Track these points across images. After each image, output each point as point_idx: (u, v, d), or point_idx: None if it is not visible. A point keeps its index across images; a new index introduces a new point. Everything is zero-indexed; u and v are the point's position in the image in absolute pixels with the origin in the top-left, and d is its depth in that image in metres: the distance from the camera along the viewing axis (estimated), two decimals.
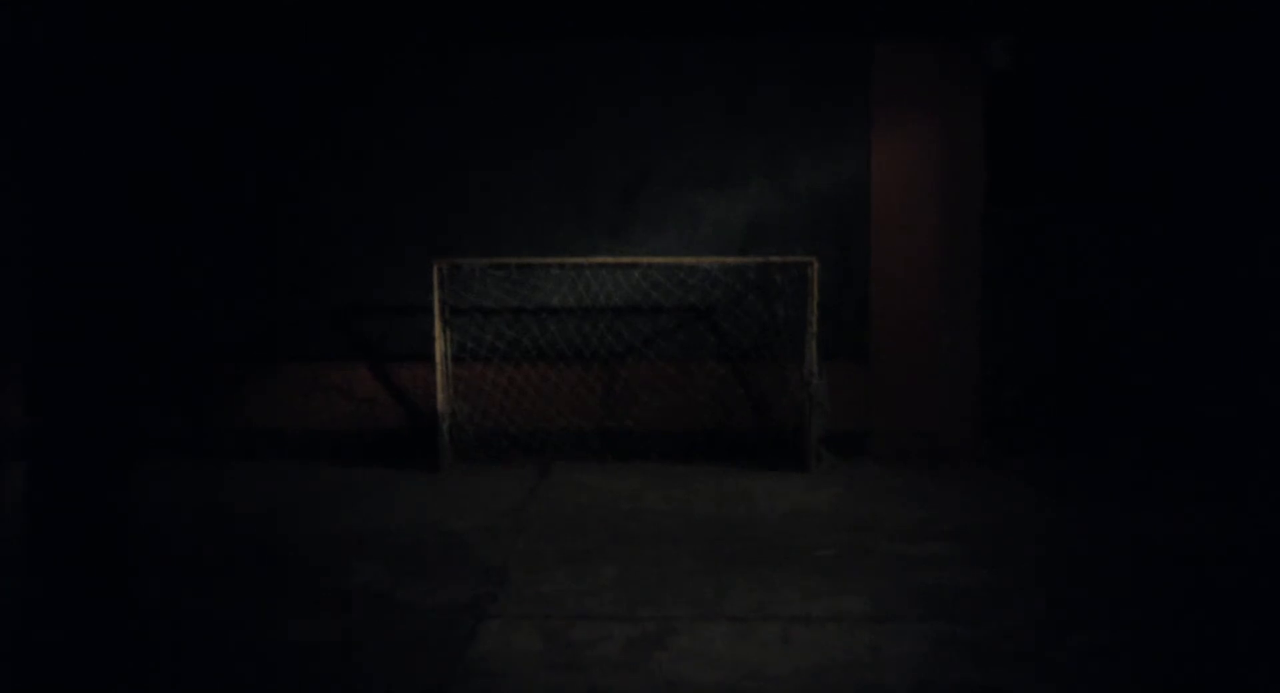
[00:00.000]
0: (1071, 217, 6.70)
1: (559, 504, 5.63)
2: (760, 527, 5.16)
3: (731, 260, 6.45)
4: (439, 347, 6.40)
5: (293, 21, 6.55)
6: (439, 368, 6.39)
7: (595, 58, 6.57)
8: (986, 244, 6.55)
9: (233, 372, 6.82)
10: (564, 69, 6.59)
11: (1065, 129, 6.65)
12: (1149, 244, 6.65)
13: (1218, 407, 6.57)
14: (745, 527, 5.16)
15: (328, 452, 6.75)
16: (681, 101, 6.57)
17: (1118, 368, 6.72)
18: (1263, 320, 6.54)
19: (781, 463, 6.47)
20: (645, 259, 6.46)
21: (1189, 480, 5.99)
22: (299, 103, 6.68)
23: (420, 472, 6.35)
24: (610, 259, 6.48)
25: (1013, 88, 6.58)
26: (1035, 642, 3.69)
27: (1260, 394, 6.52)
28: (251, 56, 6.63)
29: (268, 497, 5.83)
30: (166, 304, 6.81)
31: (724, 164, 6.58)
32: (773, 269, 6.54)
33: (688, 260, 6.44)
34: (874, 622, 3.89)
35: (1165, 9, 6.35)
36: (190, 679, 3.53)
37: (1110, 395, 6.72)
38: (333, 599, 4.20)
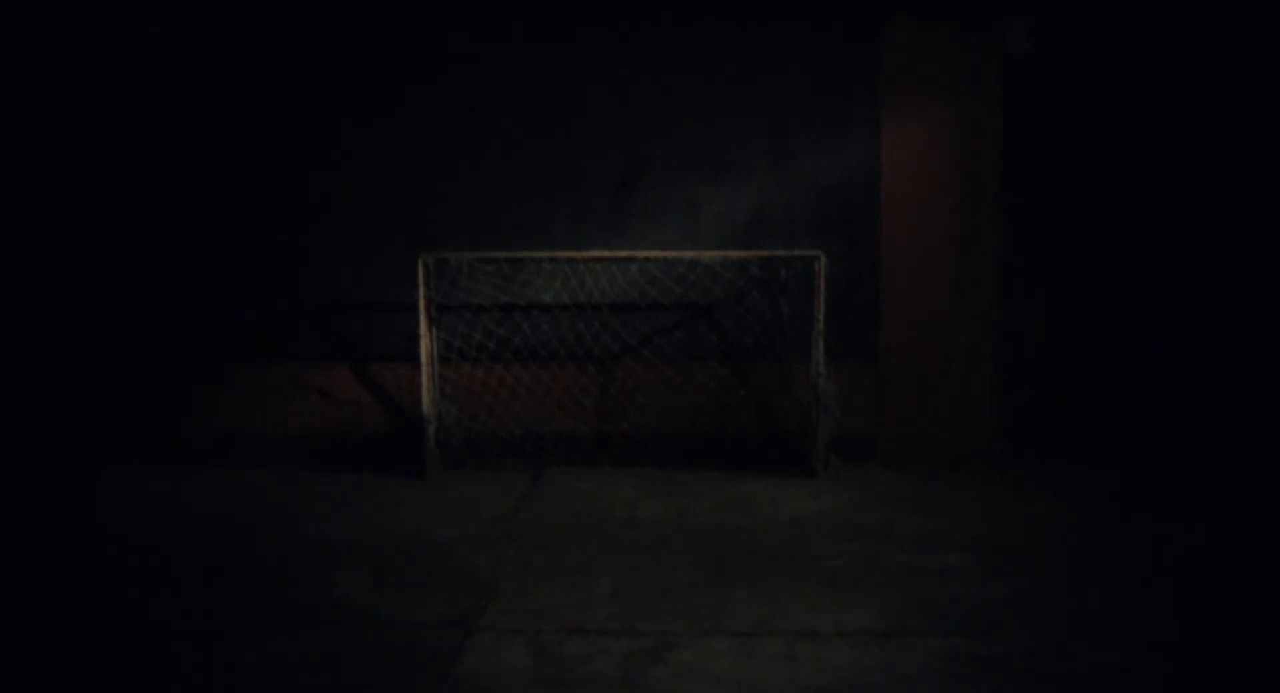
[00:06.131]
0: (1094, 207, 6.69)
1: (552, 512, 5.61)
2: (764, 536, 5.15)
3: (734, 255, 6.43)
4: (425, 346, 6.37)
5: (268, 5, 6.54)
6: (425, 368, 6.37)
7: (590, 40, 6.55)
8: (1003, 236, 6.54)
9: (207, 372, 6.79)
10: (557, 52, 6.57)
11: (1088, 116, 6.64)
12: (1176, 237, 6.65)
13: (1249, 410, 6.57)
14: (748, 536, 5.15)
15: (307, 456, 6.73)
16: (681, 86, 6.55)
17: (1142, 368, 6.71)
18: None
19: (786, 468, 6.46)
20: (643, 253, 6.44)
21: (1218, 487, 5.98)
22: (274, 92, 6.65)
23: (405, 478, 6.34)
24: (606, 253, 6.46)
25: (1033, 73, 6.57)
26: (1056, 659, 3.68)
27: None
28: (226, 46, 6.60)
29: (244, 504, 5.81)
30: (136, 302, 6.78)
31: (726, 153, 6.56)
32: (777, 264, 6.52)
33: (688, 254, 6.42)
34: (884, 637, 3.88)
35: None
36: None
37: (1134, 397, 6.72)
38: (312, 613, 4.17)
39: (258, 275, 6.76)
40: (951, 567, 4.65)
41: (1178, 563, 4.70)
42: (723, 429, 6.66)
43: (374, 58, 6.61)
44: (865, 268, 6.57)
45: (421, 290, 6.32)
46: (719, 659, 3.69)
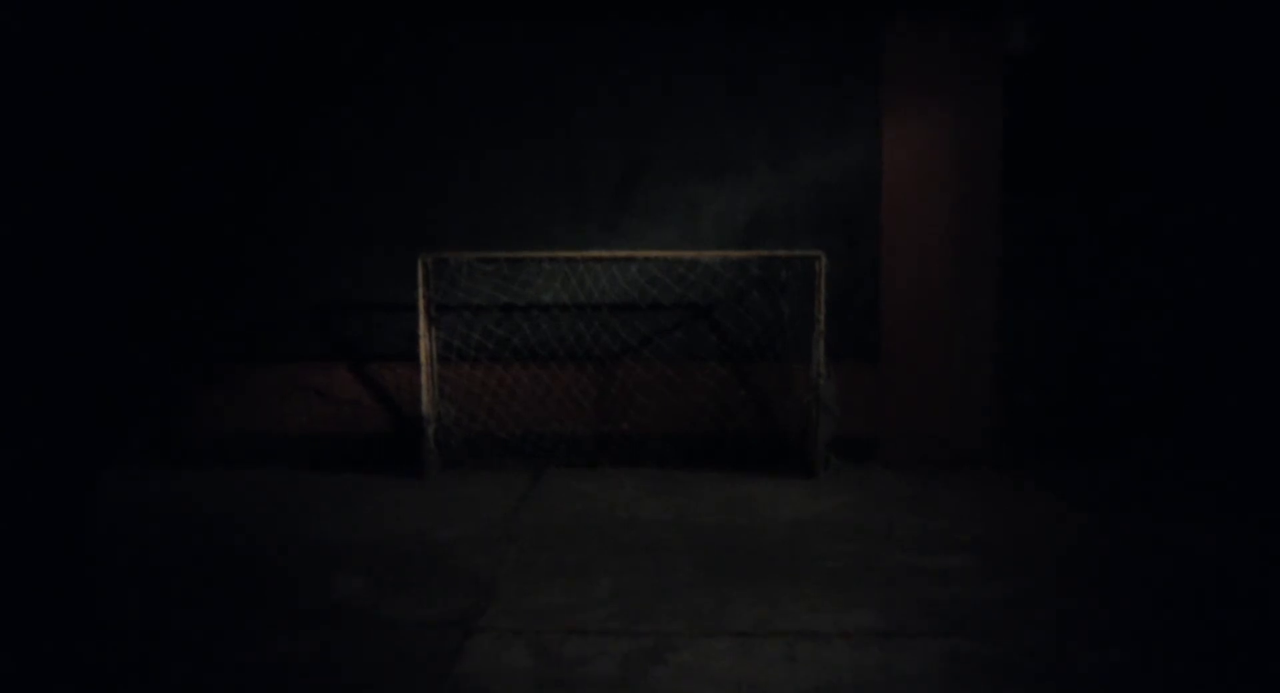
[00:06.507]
0: (1094, 208, 6.68)
1: (551, 513, 5.60)
2: (764, 536, 5.14)
3: (734, 254, 6.42)
4: (424, 346, 6.37)
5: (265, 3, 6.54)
6: (424, 368, 6.36)
7: (590, 39, 6.55)
8: (1004, 236, 6.54)
9: (206, 373, 6.79)
10: (557, 51, 6.56)
11: (1089, 116, 6.64)
12: (1179, 236, 6.64)
13: (1249, 410, 6.56)
14: (748, 536, 5.14)
15: (307, 457, 6.73)
16: (682, 86, 6.55)
17: (1142, 368, 6.71)
18: None
19: (787, 469, 6.46)
20: (643, 253, 6.43)
21: (1218, 487, 5.98)
22: (273, 92, 6.65)
23: (404, 478, 6.33)
24: (606, 253, 6.45)
25: (1034, 72, 6.56)
26: (1056, 659, 3.67)
27: None
28: (226, 46, 6.59)
29: (243, 505, 5.80)
30: (136, 303, 6.78)
31: (726, 153, 6.56)
32: (777, 264, 6.52)
33: (688, 254, 6.42)
34: (884, 638, 3.87)
35: None
36: None
37: (1134, 397, 6.71)
38: (312, 613, 4.17)
39: (258, 275, 6.75)
40: (952, 567, 4.64)
41: (1178, 563, 4.69)
42: (723, 429, 6.65)
43: (374, 58, 6.61)
44: (865, 268, 6.57)
45: (421, 290, 6.31)
46: (719, 660, 3.69)
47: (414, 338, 6.41)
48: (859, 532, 5.19)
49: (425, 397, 6.36)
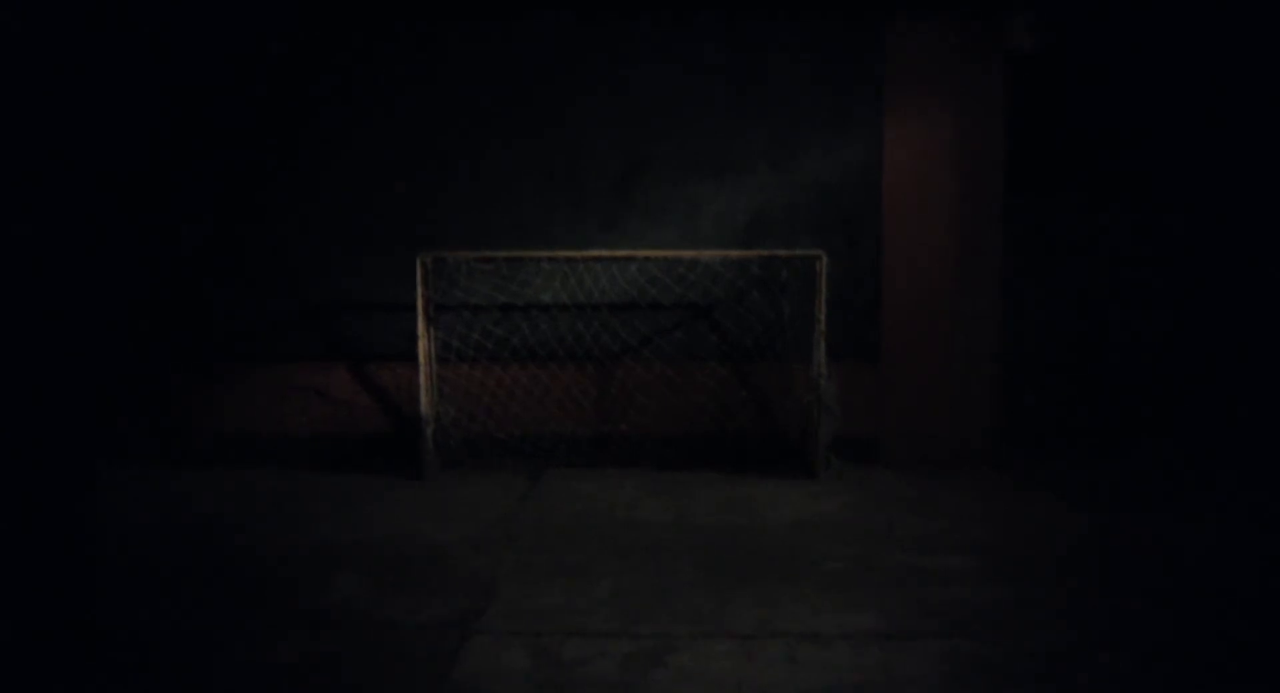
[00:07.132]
0: (1096, 207, 6.67)
1: (551, 513, 5.59)
2: (765, 537, 5.12)
3: (734, 254, 6.41)
4: (423, 346, 6.35)
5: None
6: (423, 368, 6.34)
7: (590, 37, 6.53)
8: (1005, 236, 6.52)
9: (206, 373, 6.77)
10: (556, 48, 6.55)
11: (1091, 115, 6.62)
12: (1181, 236, 6.62)
13: (1255, 409, 6.54)
14: (749, 537, 5.13)
15: (306, 457, 6.71)
16: (682, 85, 6.52)
17: (1143, 368, 6.69)
18: None
19: (787, 469, 6.44)
20: (642, 252, 6.41)
21: (1224, 488, 5.96)
22: (273, 92, 6.63)
23: (403, 479, 6.31)
24: (605, 253, 6.44)
25: (1036, 71, 6.54)
26: (1059, 662, 3.65)
27: None
28: (226, 46, 6.57)
29: (240, 506, 5.79)
30: (135, 303, 6.76)
31: (727, 152, 6.54)
32: (778, 263, 6.50)
33: (688, 254, 6.40)
34: (885, 639, 3.85)
35: None
36: None
37: (1139, 397, 6.69)
38: (311, 614, 4.15)
39: (257, 275, 6.74)
40: (952, 568, 4.63)
41: (1179, 563, 4.67)
42: (723, 430, 6.63)
43: (373, 57, 6.59)
44: (866, 268, 6.55)
45: (420, 290, 6.29)
46: (719, 661, 3.67)
47: (413, 338, 6.39)
48: (860, 532, 5.18)
49: (424, 397, 6.34)
